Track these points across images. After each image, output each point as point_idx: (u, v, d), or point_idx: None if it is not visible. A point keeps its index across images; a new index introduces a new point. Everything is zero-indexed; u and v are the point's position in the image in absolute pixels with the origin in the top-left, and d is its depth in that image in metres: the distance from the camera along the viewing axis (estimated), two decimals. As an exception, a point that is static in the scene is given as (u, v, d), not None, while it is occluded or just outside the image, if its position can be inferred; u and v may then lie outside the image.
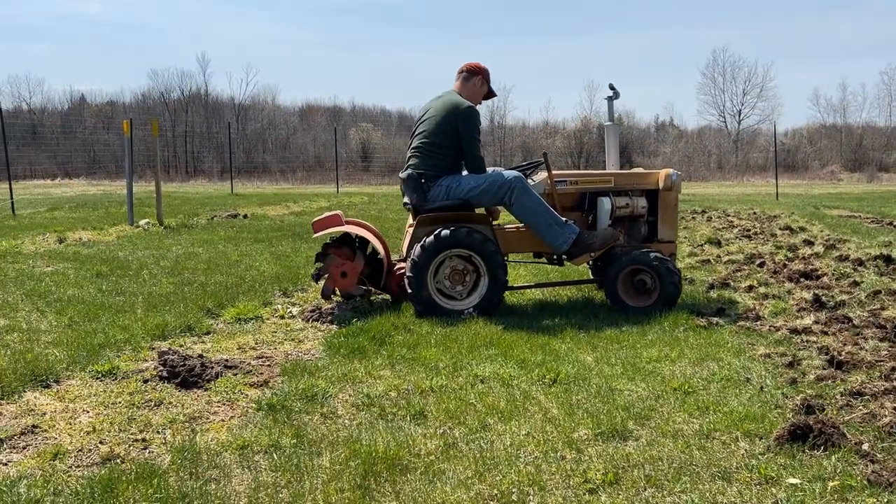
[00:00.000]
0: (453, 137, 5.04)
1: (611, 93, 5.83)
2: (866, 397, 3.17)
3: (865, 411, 2.98)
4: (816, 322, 4.57)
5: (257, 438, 2.80)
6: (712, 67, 50.67)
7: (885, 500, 2.23)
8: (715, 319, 4.70)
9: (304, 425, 2.95)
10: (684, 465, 2.53)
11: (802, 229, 10.10)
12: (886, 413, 2.93)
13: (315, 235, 5.36)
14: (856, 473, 2.42)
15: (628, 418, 2.97)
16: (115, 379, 3.57)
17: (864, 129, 46.49)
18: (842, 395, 3.21)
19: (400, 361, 3.83)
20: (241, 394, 3.38)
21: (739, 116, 50.49)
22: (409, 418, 3.02)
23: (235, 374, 3.62)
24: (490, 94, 5.34)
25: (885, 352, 3.94)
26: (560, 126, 51.50)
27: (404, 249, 5.27)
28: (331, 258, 5.12)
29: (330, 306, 5.15)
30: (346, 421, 3.02)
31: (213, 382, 3.49)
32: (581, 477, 2.45)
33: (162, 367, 3.60)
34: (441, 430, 2.88)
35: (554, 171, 5.19)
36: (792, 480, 2.39)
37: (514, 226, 5.32)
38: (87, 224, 10.82)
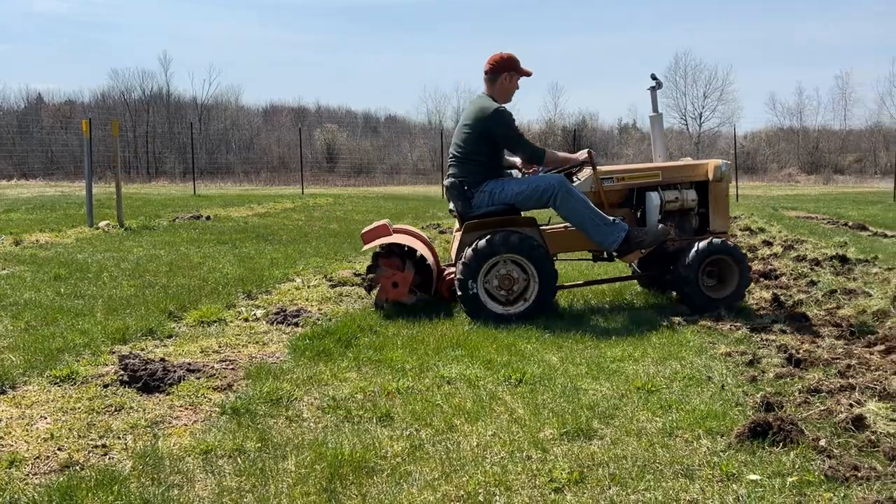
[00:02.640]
0: (486, 143, 5.01)
1: (653, 83, 5.69)
2: (823, 394, 3.25)
3: (822, 408, 3.06)
4: (775, 321, 4.68)
5: (221, 443, 2.76)
6: (674, 71, 51.49)
7: (842, 495, 2.29)
8: (677, 319, 4.77)
9: (268, 429, 2.92)
10: (648, 464, 2.56)
11: (762, 230, 10.31)
12: (842, 409, 3.01)
13: (365, 248, 5.26)
14: (813, 469, 2.47)
15: (593, 417, 3.00)
16: (74, 384, 3.49)
17: (819, 132, 47.70)
18: (800, 393, 3.28)
19: (366, 363, 3.82)
20: (205, 398, 3.33)
21: (700, 119, 51.45)
22: (375, 420, 3.00)
23: (198, 378, 3.56)
24: (524, 74, 5.18)
25: (841, 349, 4.04)
26: (525, 128, 51.81)
27: (452, 255, 5.23)
28: (381, 269, 5.05)
29: (295, 308, 5.11)
30: (312, 424, 3.00)
31: (175, 386, 3.43)
32: (547, 476, 2.47)
33: (123, 372, 3.53)
34: (407, 432, 2.87)
35: (599, 169, 5.12)
36: (752, 477, 2.44)
37: (562, 226, 5.24)
38: (45, 226, 10.56)
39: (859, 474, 2.40)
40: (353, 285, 6.13)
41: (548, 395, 3.29)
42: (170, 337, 4.43)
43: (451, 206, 5.22)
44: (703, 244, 4.97)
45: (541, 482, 2.43)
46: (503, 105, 5.07)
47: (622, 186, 5.27)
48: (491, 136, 4.99)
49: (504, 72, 5.12)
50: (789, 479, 2.39)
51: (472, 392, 3.35)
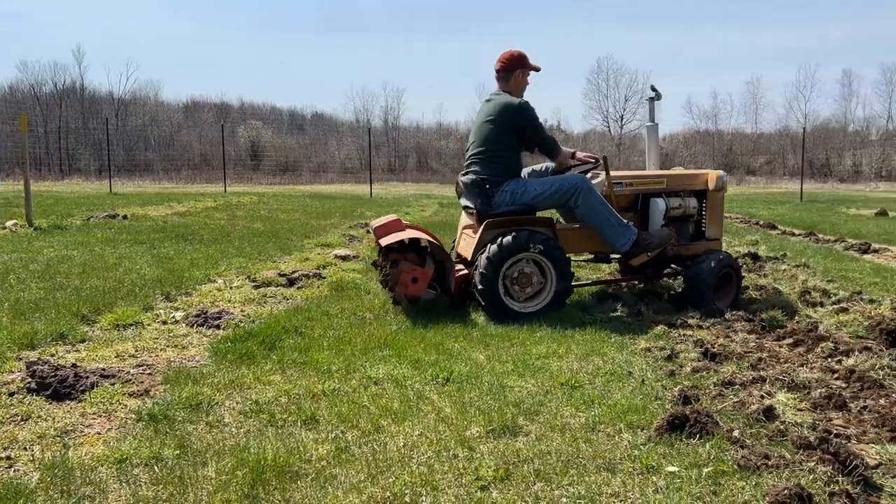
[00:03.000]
0: (512, 139, 5.08)
1: (653, 94, 5.94)
2: (736, 386, 3.38)
3: (736, 400, 3.18)
4: (692, 316, 4.84)
5: (137, 451, 2.65)
6: (597, 74, 52.95)
7: (754, 483, 2.38)
8: (599, 316, 4.88)
9: (188, 435, 2.82)
10: (572, 459, 2.60)
11: (679, 229, 10.66)
12: (754, 401, 3.14)
13: (385, 242, 5.04)
14: (727, 459, 2.57)
15: (518, 414, 3.03)
16: (-24, 393, 3.29)
17: (733, 135, 49.84)
18: (715, 385, 3.41)
19: (291, 366, 3.74)
20: (120, 404, 3.20)
21: (622, 121, 52.92)
22: (299, 424, 2.95)
23: (113, 384, 3.42)
24: (534, 69, 5.30)
25: (753, 343, 4.22)
26: (453, 128, 52.19)
27: (467, 253, 5.20)
28: (402, 265, 4.94)
29: (216, 310, 4.97)
30: (234, 429, 2.92)
31: (88, 393, 3.28)
32: (473, 475, 2.48)
33: (30, 379, 3.35)
34: (333, 435, 2.83)
35: (611, 174, 5.25)
36: (671, 468, 2.51)
37: (571, 226, 5.34)
38: (-55, 225, 9.95)
39: (770, 463, 2.51)
40: (277, 286, 6.01)
41: (475, 394, 3.30)
42: (82, 342, 4.23)
43: (465, 202, 5.26)
44: (718, 260, 5.24)
45: (467, 480, 2.44)
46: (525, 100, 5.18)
47: (630, 192, 5.44)
48: (517, 129, 5.07)
49: (517, 69, 5.22)
50: (705, 470, 2.48)
51: (399, 392, 3.33)
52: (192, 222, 11.58)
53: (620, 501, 2.30)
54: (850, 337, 4.28)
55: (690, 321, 4.69)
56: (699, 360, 3.82)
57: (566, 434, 2.83)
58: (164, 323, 4.70)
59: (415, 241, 5.12)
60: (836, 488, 2.32)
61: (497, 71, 5.25)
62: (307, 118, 58.62)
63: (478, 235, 5.02)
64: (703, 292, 5.14)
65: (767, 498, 2.26)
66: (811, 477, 2.42)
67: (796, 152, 41.19)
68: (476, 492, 2.37)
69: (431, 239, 5.25)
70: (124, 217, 11.94)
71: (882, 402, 3.20)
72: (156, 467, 2.53)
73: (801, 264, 7.20)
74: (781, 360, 3.86)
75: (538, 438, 2.79)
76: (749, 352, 4.01)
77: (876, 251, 8.70)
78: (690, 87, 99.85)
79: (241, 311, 5.08)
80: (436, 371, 3.61)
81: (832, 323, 4.60)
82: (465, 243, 5.35)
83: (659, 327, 4.56)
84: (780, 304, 5.17)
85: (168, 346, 4.18)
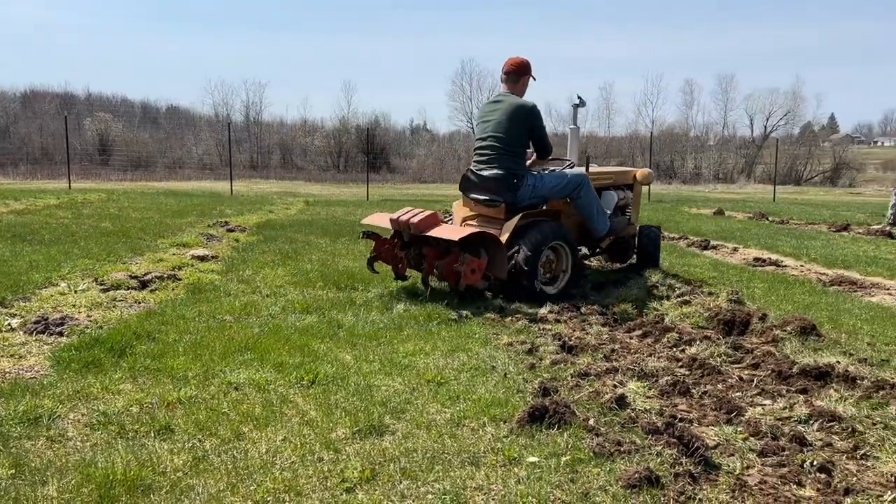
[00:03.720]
0: (527, 137, 5.57)
1: (577, 101, 6.71)
2: (591, 377, 3.55)
3: (591, 390, 3.34)
4: (551, 311, 5.04)
5: (-36, 474, 2.40)
6: (461, 76, 53.92)
7: (608, 469, 2.51)
8: (465, 312, 4.97)
9: (25, 453, 2.59)
10: (437, 455, 2.63)
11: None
12: (607, 390, 3.31)
13: (458, 236, 5.18)
14: (584, 447, 2.69)
15: (385, 413, 3.03)
16: None
17: (588, 138, 52.40)
18: (572, 377, 3.56)
19: (143, 373, 3.53)
20: (-57, 423, 2.88)
21: (485, 123, 54.26)
22: (153, 434, 2.79)
23: (-65, 401, 3.07)
24: (533, 78, 5.82)
25: (606, 335, 4.45)
26: (318, 125, 51.46)
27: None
28: (466, 257, 5.24)
29: (59, 316, 4.60)
30: (79, 443, 2.71)
31: None
32: (338, 477, 2.44)
33: None
34: (190, 444, 2.70)
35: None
36: (532, 459, 2.59)
37: (567, 217, 6.03)
38: None
39: (622, 448, 2.66)
40: (128, 289, 5.65)
41: (341, 395, 3.26)
42: None
43: (482, 195, 5.66)
44: (654, 232, 6.83)
45: (332, 483, 2.40)
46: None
47: (595, 185, 6.28)
48: (529, 129, 5.56)
49: (525, 74, 5.76)
50: (563, 458, 2.58)
51: (261, 397, 3.23)
52: (32, 221, 10.66)
53: (484, 494, 2.35)
54: (692, 327, 4.61)
55: (549, 316, 4.87)
56: (557, 353, 3.97)
57: (432, 430, 2.86)
58: (-2, 331, 4.29)
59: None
60: (681, 469, 2.49)
61: (507, 73, 5.75)
62: (161, 111, 55.77)
63: (513, 225, 5.47)
64: (656, 256, 6.76)
65: (620, 482, 2.39)
66: (659, 460, 2.58)
67: (644, 155, 43.97)
68: (341, 494, 2.34)
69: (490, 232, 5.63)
70: (-50, 215, 10.80)
71: (720, 386, 3.48)
72: (-14, 490, 2.30)
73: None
74: (632, 351, 4.09)
75: (405, 436, 2.80)
76: (603, 344, 4.22)
77: (714, 247, 9.45)
78: (549, 94, 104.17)
79: (88, 316, 4.74)
80: (300, 373, 3.53)
81: (676, 315, 4.94)
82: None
83: (520, 322, 4.71)
84: (631, 298, 5.49)
85: (2, 357, 3.82)
